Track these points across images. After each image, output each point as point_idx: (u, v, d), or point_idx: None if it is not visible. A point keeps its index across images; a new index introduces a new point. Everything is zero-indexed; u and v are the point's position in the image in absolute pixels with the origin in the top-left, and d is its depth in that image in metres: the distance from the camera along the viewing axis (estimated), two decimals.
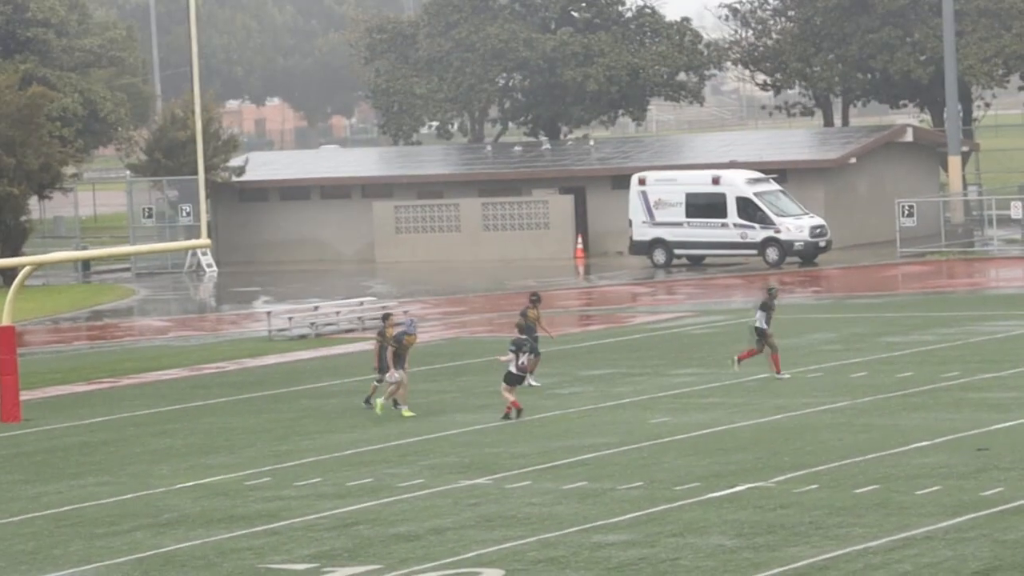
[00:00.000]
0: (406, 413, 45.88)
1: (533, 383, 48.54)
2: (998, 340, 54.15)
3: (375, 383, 46.88)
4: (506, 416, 44.35)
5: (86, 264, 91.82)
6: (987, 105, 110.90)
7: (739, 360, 49.56)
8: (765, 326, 48.47)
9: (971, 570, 28.17)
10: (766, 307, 48.74)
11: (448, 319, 69.08)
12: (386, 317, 48.22)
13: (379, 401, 46.01)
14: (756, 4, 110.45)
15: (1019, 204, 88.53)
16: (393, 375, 46.05)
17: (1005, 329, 56.72)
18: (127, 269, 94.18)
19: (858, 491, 34.17)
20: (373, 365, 47.35)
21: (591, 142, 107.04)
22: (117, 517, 35.53)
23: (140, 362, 60.29)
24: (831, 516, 32.29)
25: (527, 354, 45.20)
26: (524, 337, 46.21)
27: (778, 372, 48.52)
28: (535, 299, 51.25)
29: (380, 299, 72.25)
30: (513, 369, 44.54)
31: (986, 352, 51.39)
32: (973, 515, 31.77)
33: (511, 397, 44.49)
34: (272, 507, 35.57)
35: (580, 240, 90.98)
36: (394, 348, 46.16)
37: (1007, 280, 75.12)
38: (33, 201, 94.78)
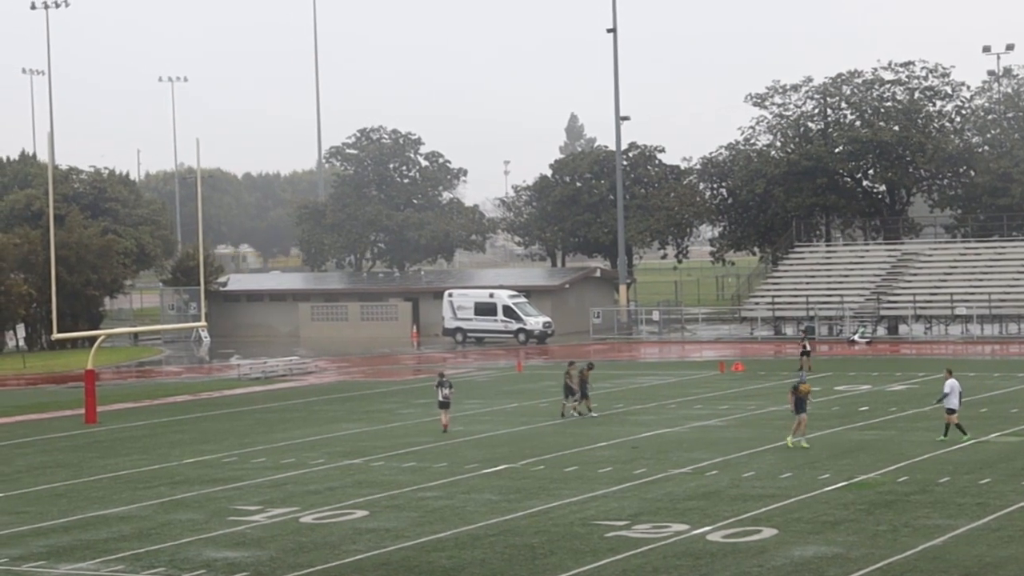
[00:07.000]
0: (804, 444, 36.29)
1: (592, 414, 44.71)
2: (644, 387, 54.38)
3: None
4: (444, 430, 41.69)
5: (136, 335, 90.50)
6: (640, 257, 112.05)
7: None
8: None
9: (628, 514, 28.19)
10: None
11: (340, 370, 68.38)
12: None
13: (790, 439, 36.66)
14: (515, 197, 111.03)
15: (657, 312, 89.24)
16: (800, 416, 36.43)
17: (649, 381, 57.03)
18: (159, 338, 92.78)
19: (566, 470, 34.16)
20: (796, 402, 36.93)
21: (423, 272, 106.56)
22: (149, 478, 34.91)
23: (165, 390, 59.29)
24: (553, 483, 32.24)
25: (449, 388, 41.76)
26: (444, 378, 42.03)
27: None
28: (590, 366, 46.49)
29: (303, 359, 71.58)
30: (440, 398, 41.92)
31: (639, 393, 51.48)
32: (629, 484, 31.87)
33: (444, 419, 42.12)
34: (237, 474, 35.05)
35: (415, 327, 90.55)
36: (794, 395, 36.66)
37: (650, 354, 75.44)
38: (107, 300, 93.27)
